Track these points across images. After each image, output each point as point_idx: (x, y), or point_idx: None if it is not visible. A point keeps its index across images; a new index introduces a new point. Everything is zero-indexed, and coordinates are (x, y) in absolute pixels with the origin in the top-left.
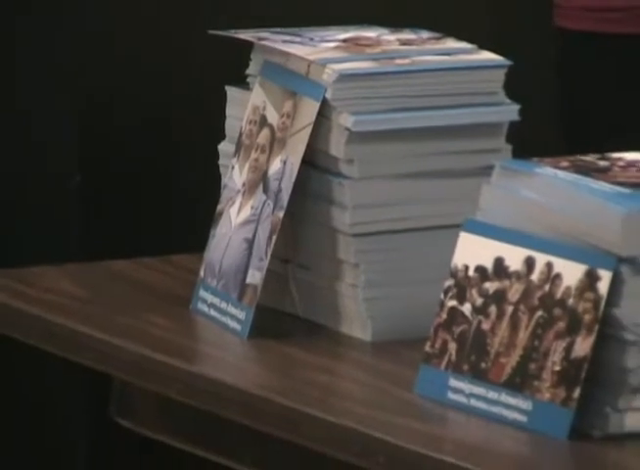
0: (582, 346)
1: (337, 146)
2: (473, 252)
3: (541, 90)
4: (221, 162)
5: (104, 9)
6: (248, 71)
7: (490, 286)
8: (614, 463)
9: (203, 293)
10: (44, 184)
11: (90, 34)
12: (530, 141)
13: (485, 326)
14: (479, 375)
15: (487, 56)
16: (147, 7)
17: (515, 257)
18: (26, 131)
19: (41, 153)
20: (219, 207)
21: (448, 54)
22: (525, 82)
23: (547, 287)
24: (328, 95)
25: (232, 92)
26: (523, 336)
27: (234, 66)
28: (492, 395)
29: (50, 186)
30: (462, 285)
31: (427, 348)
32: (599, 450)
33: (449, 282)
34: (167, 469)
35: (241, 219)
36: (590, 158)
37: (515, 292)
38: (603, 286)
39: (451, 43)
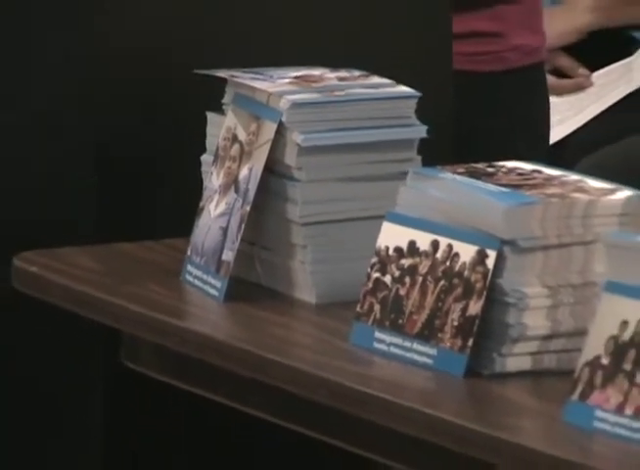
0: (474, 307)
1: (290, 157)
2: (392, 236)
3: (443, 116)
4: (203, 169)
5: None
6: (223, 101)
7: (405, 262)
8: (498, 395)
9: (189, 267)
10: (66, 184)
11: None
12: (433, 153)
13: (402, 292)
14: (396, 329)
15: (403, 89)
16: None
17: (424, 240)
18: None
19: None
20: (201, 203)
21: (373, 87)
22: (430, 110)
23: (448, 263)
24: (283, 118)
25: (211, 116)
26: (430, 299)
27: (213, 97)
28: (407, 343)
29: (69, 185)
30: (384, 261)
31: (358, 308)
32: (487, 385)
33: (374, 259)
34: (162, 399)
35: (217, 212)
36: (480, 165)
37: (424, 266)
38: (490, 262)
39: (375, 79)
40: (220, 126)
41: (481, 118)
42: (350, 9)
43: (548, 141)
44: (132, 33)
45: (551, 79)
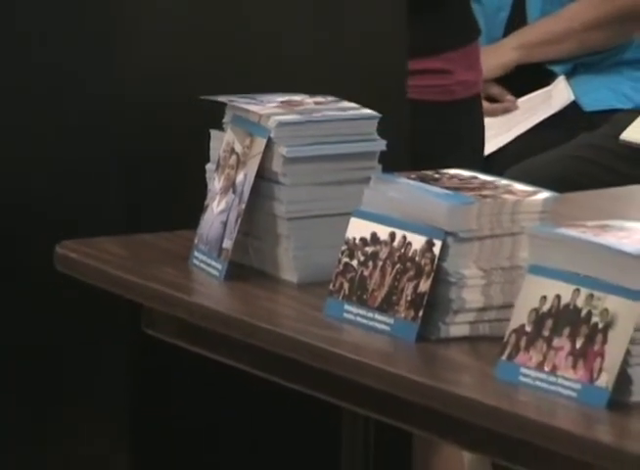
0: (424, 285)
1: (277, 165)
2: (358, 229)
3: (399, 133)
4: (208, 175)
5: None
6: (223, 120)
7: (369, 249)
8: (442, 355)
9: (196, 253)
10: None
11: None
12: (391, 163)
13: (366, 273)
14: (361, 302)
15: (366, 111)
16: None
17: (383, 232)
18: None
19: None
20: (206, 202)
21: (343, 110)
22: (388, 128)
23: (403, 250)
24: (271, 135)
25: (214, 133)
26: (388, 279)
27: (216, 117)
28: (370, 314)
29: (107, 187)
30: (352, 249)
31: (330, 287)
32: (434, 348)
33: (344, 247)
34: (176, 358)
35: (219, 209)
36: (429, 172)
37: (383, 253)
38: (436, 249)
39: (345, 103)
40: (221, 141)
41: (432, 137)
42: (322, 46)
43: (483, 153)
44: (151, 68)
45: (485, 104)
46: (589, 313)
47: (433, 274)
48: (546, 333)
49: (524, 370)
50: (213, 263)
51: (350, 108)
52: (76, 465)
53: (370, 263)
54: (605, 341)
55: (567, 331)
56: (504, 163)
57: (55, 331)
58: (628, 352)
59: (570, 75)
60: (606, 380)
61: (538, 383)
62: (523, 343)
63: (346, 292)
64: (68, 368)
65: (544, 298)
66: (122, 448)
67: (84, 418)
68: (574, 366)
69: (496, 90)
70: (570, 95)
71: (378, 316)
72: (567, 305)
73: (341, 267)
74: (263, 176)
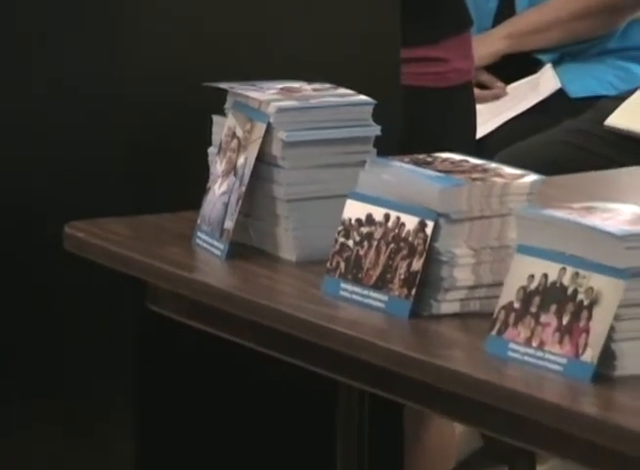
0: (417, 264)
1: (276, 149)
2: (354, 210)
3: (392, 119)
4: (210, 158)
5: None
6: (225, 106)
7: (364, 230)
8: (434, 331)
9: (199, 233)
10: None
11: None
12: (385, 147)
13: (361, 253)
14: (357, 281)
15: (362, 98)
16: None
17: (378, 213)
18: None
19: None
20: (208, 184)
21: (340, 96)
22: (383, 114)
23: (397, 230)
24: (271, 120)
25: (216, 118)
26: (382, 258)
27: (218, 103)
28: (365, 292)
29: (114, 171)
30: (348, 229)
31: (327, 265)
32: (426, 324)
33: (340, 227)
34: (179, 333)
35: (221, 191)
36: (422, 156)
37: (378, 233)
38: (429, 230)
39: (342, 91)
40: (223, 126)
41: (429, 120)
42: (320, 40)
43: (475, 137)
44: (155, 56)
45: (475, 91)
46: (575, 291)
47: (425, 253)
48: (534, 310)
49: (512, 345)
50: (215, 243)
51: (347, 94)
52: (82, 439)
53: (365, 243)
54: (590, 317)
55: (553, 308)
56: (494, 146)
57: (66, 305)
58: (612, 329)
59: (556, 64)
60: (591, 355)
61: (526, 357)
62: (511, 319)
63: (343, 270)
64: (78, 339)
65: (532, 276)
66: (128, 419)
67: (89, 393)
68: (561, 342)
69: (486, 77)
70: (556, 82)
71: (373, 294)
72: (553, 284)
73: (337, 247)
74: (263, 160)
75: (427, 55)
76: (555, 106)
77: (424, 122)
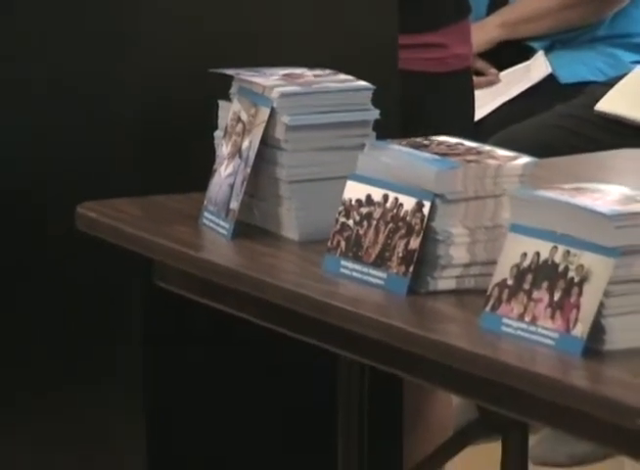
0: (414, 243)
1: (279, 133)
2: (354, 191)
3: (391, 103)
4: (216, 141)
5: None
6: (230, 91)
7: (364, 210)
8: (431, 307)
9: (205, 214)
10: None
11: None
12: (384, 130)
13: (361, 232)
14: (357, 259)
15: (362, 83)
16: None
17: (377, 194)
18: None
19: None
20: (214, 166)
21: (340, 82)
22: (381, 99)
23: (395, 210)
24: (274, 105)
25: (222, 103)
26: (381, 237)
27: (224, 88)
28: (364, 270)
29: (124, 154)
30: (348, 209)
31: (328, 244)
32: (423, 300)
33: (341, 208)
34: (186, 309)
35: (226, 173)
36: (419, 139)
37: (377, 213)
38: (426, 210)
39: (342, 76)
40: (228, 110)
41: (429, 104)
42: (321, 25)
43: (473, 119)
44: (163, 41)
45: None
46: (566, 269)
47: (422, 233)
48: (526, 286)
49: (506, 320)
50: (222, 223)
51: (347, 80)
52: (95, 418)
53: (365, 223)
54: (580, 294)
55: (545, 285)
56: (488, 130)
57: (81, 281)
58: (602, 305)
59: (548, 51)
60: (581, 330)
61: (519, 332)
62: (505, 295)
63: (343, 249)
64: (89, 313)
65: (524, 254)
66: (137, 398)
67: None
68: (552, 317)
69: (481, 64)
70: (547, 68)
71: (372, 271)
72: (545, 261)
73: (338, 226)
74: (267, 143)
75: (427, 41)
76: (546, 91)
77: (424, 106)
